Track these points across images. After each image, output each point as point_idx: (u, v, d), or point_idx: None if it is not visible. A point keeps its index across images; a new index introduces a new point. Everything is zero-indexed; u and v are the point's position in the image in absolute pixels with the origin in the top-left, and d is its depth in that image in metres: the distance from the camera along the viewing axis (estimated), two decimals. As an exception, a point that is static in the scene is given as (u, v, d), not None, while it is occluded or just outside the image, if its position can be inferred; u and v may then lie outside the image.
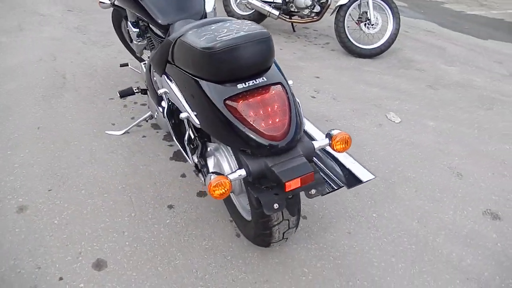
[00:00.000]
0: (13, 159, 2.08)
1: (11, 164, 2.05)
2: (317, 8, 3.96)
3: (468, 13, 5.96)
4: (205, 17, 1.99)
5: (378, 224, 1.86)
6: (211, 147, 1.60)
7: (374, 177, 1.34)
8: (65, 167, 2.05)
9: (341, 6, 3.69)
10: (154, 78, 1.82)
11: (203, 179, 1.55)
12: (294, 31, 4.42)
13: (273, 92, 1.25)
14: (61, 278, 1.50)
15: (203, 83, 1.29)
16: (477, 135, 2.70)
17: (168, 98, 1.60)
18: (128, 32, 2.64)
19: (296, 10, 4.01)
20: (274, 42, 1.34)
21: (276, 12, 3.97)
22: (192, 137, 1.66)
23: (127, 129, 2.34)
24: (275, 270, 1.60)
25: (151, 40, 2.24)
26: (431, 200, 2.05)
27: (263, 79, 1.26)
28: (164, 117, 1.67)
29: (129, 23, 2.25)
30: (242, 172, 1.19)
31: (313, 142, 1.27)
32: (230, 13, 4.33)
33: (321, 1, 3.91)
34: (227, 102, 1.22)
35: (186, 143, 1.47)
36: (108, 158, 2.14)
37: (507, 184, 2.21)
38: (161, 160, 2.17)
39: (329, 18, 4.05)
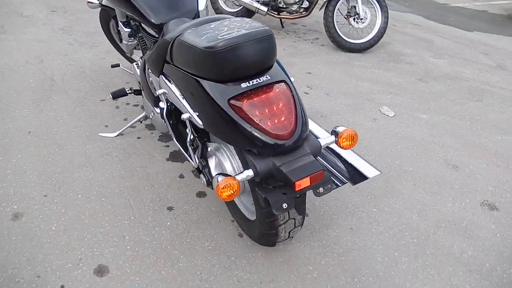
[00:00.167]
0: (5, 165, 2.02)
1: (3, 170, 1.99)
2: (306, 4, 3.94)
3: (453, 5, 6.03)
4: (198, 15, 1.96)
5: (379, 219, 1.87)
6: (211, 147, 1.58)
7: (379, 172, 1.33)
8: (60, 171, 2.00)
9: (329, 1, 3.68)
10: (150, 79, 1.78)
11: (204, 180, 1.53)
12: (282, 27, 4.41)
13: (277, 90, 1.23)
14: (62, 286, 1.46)
15: (205, 83, 1.26)
16: (470, 126, 2.73)
17: (167, 99, 1.57)
18: (118, 32, 2.60)
19: (284, 6, 3.99)
20: None
21: (265, 9, 3.94)
22: (192, 137, 1.64)
23: (121, 130, 2.29)
24: (280, 269, 1.59)
25: (143, 40, 2.20)
26: (429, 193, 2.06)
27: (266, 77, 1.24)
28: (162, 118, 1.63)
29: (120, 23, 2.21)
30: (250, 172, 1.17)
31: (319, 139, 1.26)
32: (218, 10, 4.29)
33: (310, -4, 3.90)
34: (232, 101, 1.20)
35: (189, 144, 1.45)
36: (104, 161, 2.10)
37: (501, 175, 2.24)
38: (158, 161, 2.14)
39: (317, 13, 4.05)
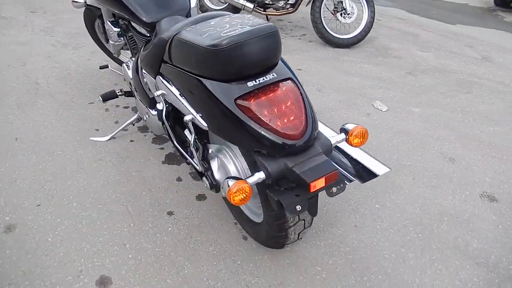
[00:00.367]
0: (-8, 175, 1.93)
1: (-9, 180, 1.90)
2: (292, 0, 3.91)
3: (434, -1, 6.10)
4: (190, 13, 1.90)
5: (383, 215, 1.86)
6: (212, 148, 1.53)
7: (389, 169, 1.31)
8: (52, 179, 1.91)
9: (317, -4, 3.66)
10: (145, 80, 1.72)
11: (207, 183, 1.48)
12: (269, 23, 4.36)
13: (285, 88, 1.19)
14: (63, 300, 1.40)
15: (208, 83, 1.21)
16: (462, 118, 2.75)
17: (165, 100, 1.51)
18: (104, 32, 2.51)
19: (270, 3, 3.95)
20: None
21: (251, 5, 3.89)
22: (192, 139, 1.59)
23: (113, 134, 2.21)
24: (288, 271, 1.56)
25: (133, 40, 2.13)
26: (429, 186, 2.06)
27: (273, 75, 1.20)
28: (160, 120, 1.57)
29: (108, 22, 2.13)
30: (261, 175, 1.12)
31: (330, 138, 1.23)
32: (203, 7, 4.21)
33: (297, -8, 3.87)
34: (239, 101, 1.15)
35: (192, 146, 1.39)
36: (97, 166, 2.02)
37: (497, 166, 2.26)
38: (153, 164, 2.07)
39: (303, 9, 4.02)
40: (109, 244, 1.61)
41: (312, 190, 1.07)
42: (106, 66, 2.49)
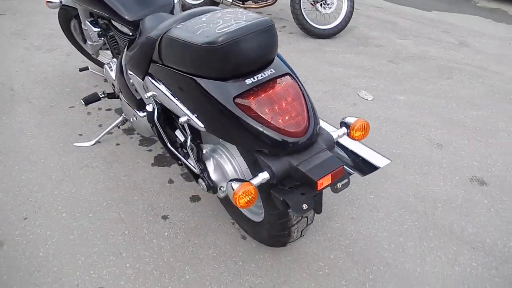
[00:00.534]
0: (-28, 189, 1.83)
1: (-29, 194, 1.80)
2: (271, -9, 3.87)
3: (408, -14, 6.15)
4: (174, 9, 1.84)
5: (378, 205, 1.86)
6: (206, 149, 1.49)
7: (390, 161, 1.30)
8: (37, 190, 1.83)
9: (296, -13, 3.62)
10: (131, 81, 1.65)
11: (204, 184, 1.44)
12: (247, 17, 4.31)
13: (284, 84, 1.16)
14: (61, 317, 1.34)
15: (204, 82, 1.16)
16: (445, 104, 2.78)
17: (156, 102, 1.45)
18: (81, 33, 2.42)
19: (249, -5, 3.89)
20: None
21: (229, -1, 3.83)
22: (182, 140, 1.54)
23: (97, 138, 2.14)
24: (290, 268, 1.54)
25: (114, 40, 2.05)
26: (420, 173, 2.08)
27: (271, 71, 1.17)
28: (151, 122, 1.51)
29: (87, 22, 2.04)
30: (265, 175, 1.09)
31: (331, 133, 1.21)
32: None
33: (275, -16, 3.83)
34: (237, 100, 1.12)
35: (189, 148, 1.34)
36: (84, 173, 1.94)
37: (483, 150, 2.30)
38: (143, 167, 2.01)
39: (281, 1, 3.99)
40: (105, 254, 1.55)
41: (320, 188, 1.05)
42: (86, 68, 2.40)
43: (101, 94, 2.13)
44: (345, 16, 3.78)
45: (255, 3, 3.94)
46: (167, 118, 1.54)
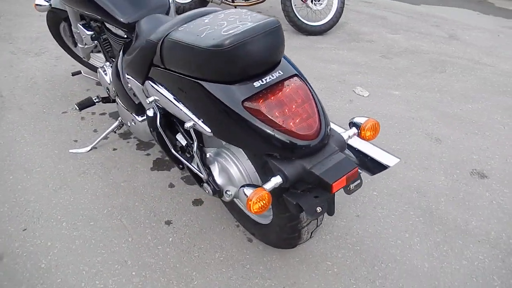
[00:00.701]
0: (-34, 201, 1.77)
1: (-34, 206, 1.74)
2: (261, -11, 3.84)
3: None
4: (170, 10, 1.80)
5: (382, 202, 1.85)
6: (210, 152, 1.46)
7: (399, 159, 1.29)
8: (34, 199, 1.78)
9: (286, -15, 3.60)
10: (129, 85, 1.61)
11: (209, 189, 1.41)
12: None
13: (293, 85, 1.14)
14: (68, 330, 1.30)
15: (210, 86, 1.13)
16: (440, 98, 2.80)
17: (157, 106, 1.41)
18: (72, 36, 2.36)
19: (239, -7, 3.86)
20: None
21: (219, -3, 3.79)
22: (185, 145, 1.51)
23: (93, 144, 2.09)
24: (299, 269, 1.53)
25: (107, 43, 2.00)
26: (421, 169, 2.08)
27: (279, 73, 1.14)
28: (152, 127, 1.48)
29: (79, 25, 1.99)
30: (278, 179, 1.07)
31: (342, 133, 1.19)
32: (168, 3, 4.05)
33: (264, -18, 3.80)
34: (246, 104, 1.09)
35: (195, 153, 1.31)
36: (82, 181, 1.90)
37: (481, 143, 2.31)
38: (142, 172, 1.97)
39: (272, -2, 3.97)
40: (109, 263, 1.51)
41: (335, 190, 1.03)
42: (79, 72, 2.34)
43: (95, 99, 2.08)
44: (336, 12, 3.78)
45: (245, 0, 3.91)
46: (168, 122, 1.50)
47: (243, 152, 1.34)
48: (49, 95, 2.56)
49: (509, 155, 2.20)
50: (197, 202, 1.81)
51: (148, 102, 1.37)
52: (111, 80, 1.85)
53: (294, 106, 1.10)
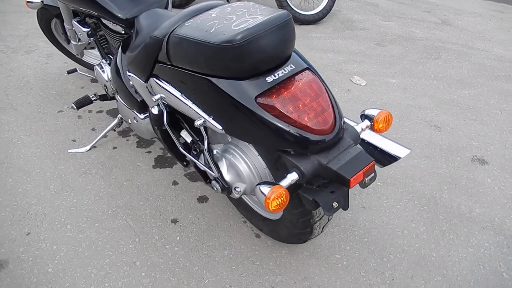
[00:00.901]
0: (-34, 206, 1.73)
1: (-35, 212, 1.70)
2: (252, -21, 3.78)
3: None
4: (168, 4, 1.76)
5: (386, 192, 1.86)
6: (216, 149, 1.44)
7: (410, 150, 1.28)
8: (36, 202, 1.75)
9: (278, -27, 3.55)
10: (131, 82, 1.58)
11: (218, 186, 1.39)
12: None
13: (305, 79, 1.12)
14: (81, 334, 1.29)
15: (221, 82, 1.11)
16: (437, 85, 2.80)
17: (164, 104, 1.38)
18: (64, 33, 2.30)
19: (230, -17, 3.79)
20: None
21: (210, -12, 3.72)
22: (191, 142, 1.49)
23: (93, 143, 2.05)
24: (309, 264, 1.53)
25: (103, 39, 1.95)
26: (422, 157, 2.09)
27: (291, 67, 1.12)
28: (157, 125, 1.45)
29: (74, 22, 1.94)
30: (294, 176, 1.06)
31: (355, 126, 1.18)
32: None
33: (256, -29, 3.73)
34: (259, 100, 1.07)
35: (206, 150, 1.29)
36: (84, 181, 1.87)
37: (480, 129, 2.33)
38: (144, 170, 1.95)
39: (264, -13, 3.91)
40: (118, 265, 1.49)
41: (353, 185, 1.03)
42: (75, 70, 2.28)
43: (92, 97, 2.04)
44: (329, 0, 3.74)
45: (237, -9, 3.84)
46: (172, 120, 1.48)
47: (252, 148, 1.33)
48: (43, 94, 2.50)
49: (507, 141, 2.22)
50: (202, 199, 1.80)
51: (154, 100, 1.34)
52: (110, 77, 1.81)
53: (308, 101, 1.08)
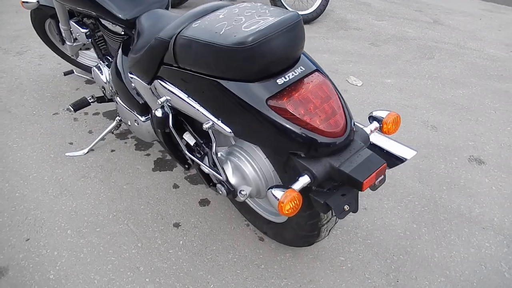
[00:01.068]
0: (-38, 212, 1.69)
1: (-39, 218, 1.66)
2: (246, -22, 3.77)
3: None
4: (168, 4, 1.74)
5: (387, 193, 1.87)
6: (221, 152, 1.43)
7: (416, 152, 1.29)
8: (35, 207, 1.71)
9: (272, -27, 3.55)
10: (132, 85, 1.55)
11: (223, 189, 1.38)
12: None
13: (315, 81, 1.12)
14: None
15: (230, 85, 1.10)
16: (432, 85, 2.83)
17: (169, 106, 1.37)
18: (59, 33, 2.26)
19: (223, -17, 3.77)
20: None
21: (203, -13, 3.70)
22: (195, 144, 1.48)
23: (90, 146, 2.02)
24: (314, 266, 1.53)
25: (102, 40, 1.92)
26: (421, 157, 2.11)
27: (301, 69, 1.12)
28: (160, 127, 1.43)
29: (73, 23, 1.90)
30: (306, 179, 1.05)
31: (365, 128, 1.18)
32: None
33: (249, -30, 3.72)
34: (270, 102, 1.06)
35: (213, 153, 1.28)
36: (83, 185, 1.84)
37: (475, 128, 2.36)
38: (144, 173, 1.93)
39: (258, -13, 3.89)
40: (121, 271, 1.48)
41: (365, 188, 1.03)
42: (71, 72, 2.24)
43: (90, 99, 2.01)
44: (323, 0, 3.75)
45: (231, -10, 3.83)
46: (176, 122, 1.46)
47: (258, 151, 1.32)
48: (37, 96, 2.45)
49: (502, 140, 2.26)
50: (204, 202, 1.79)
51: (160, 103, 1.32)
52: (109, 79, 1.78)
53: (319, 103, 1.08)
